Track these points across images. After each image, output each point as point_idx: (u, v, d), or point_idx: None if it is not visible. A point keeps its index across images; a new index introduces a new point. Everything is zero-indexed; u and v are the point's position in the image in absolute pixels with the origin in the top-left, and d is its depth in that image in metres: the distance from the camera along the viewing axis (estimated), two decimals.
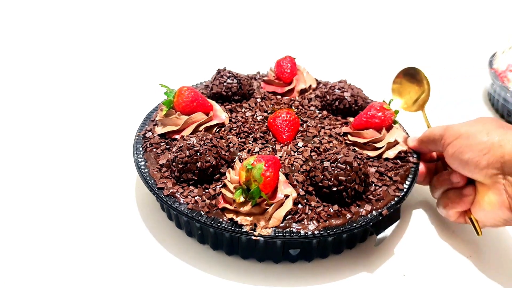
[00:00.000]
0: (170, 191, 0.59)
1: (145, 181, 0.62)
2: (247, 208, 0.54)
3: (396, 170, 0.64)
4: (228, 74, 0.78)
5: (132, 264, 0.61)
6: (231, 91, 0.77)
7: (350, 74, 0.89)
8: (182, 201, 0.58)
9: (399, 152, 0.66)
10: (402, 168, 0.65)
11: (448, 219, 0.63)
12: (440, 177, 0.64)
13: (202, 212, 0.57)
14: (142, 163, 0.65)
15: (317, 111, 0.76)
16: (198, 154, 0.60)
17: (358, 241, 0.62)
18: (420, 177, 0.67)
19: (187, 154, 0.60)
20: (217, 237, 0.59)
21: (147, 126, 0.72)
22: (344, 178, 0.56)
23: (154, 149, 0.67)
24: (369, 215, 0.57)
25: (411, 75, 0.76)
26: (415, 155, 0.67)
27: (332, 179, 0.57)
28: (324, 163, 0.58)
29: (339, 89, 0.75)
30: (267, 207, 0.54)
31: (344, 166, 0.57)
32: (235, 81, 0.78)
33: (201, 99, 0.70)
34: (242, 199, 0.54)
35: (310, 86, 0.83)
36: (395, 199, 0.60)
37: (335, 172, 0.57)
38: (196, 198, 0.58)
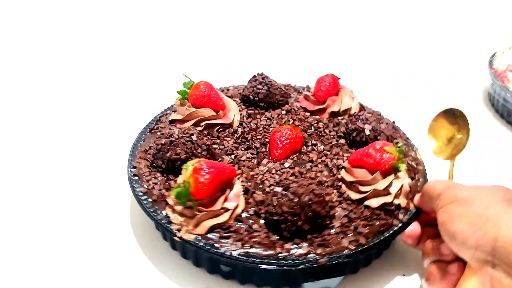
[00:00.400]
0: (139, 171, 0.62)
1: (129, 157, 0.66)
2: (179, 207, 0.54)
3: (369, 221, 0.55)
4: (260, 80, 0.77)
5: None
6: (258, 97, 0.76)
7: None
8: (142, 184, 0.60)
9: (388, 204, 0.56)
10: (380, 221, 0.55)
11: None
12: (430, 243, 0.53)
13: (150, 199, 0.58)
14: (141, 142, 0.69)
15: (335, 138, 0.70)
16: (172, 144, 0.61)
17: (302, 281, 0.56)
18: (413, 239, 0.56)
19: (162, 142, 0.61)
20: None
21: (168, 111, 0.76)
22: (287, 210, 0.51)
23: (158, 132, 0.71)
24: (300, 258, 0.51)
25: (452, 116, 0.65)
26: (409, 213, 0.57)
27: (276, 207, 0.52)
28: (277, 188, 0.54)
29: (362, 119, 0.67)
30: (197, 213, 0.53)
31: (292, 197, 0.51)
32: (265, 88, 0.76)
33: (214, 96, 0.71)
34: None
35: (346, 110, 0.76)
36: (344, 252, 0.51)
37: (281, 200, 0.52)
38: (155, 185, 0.60)
